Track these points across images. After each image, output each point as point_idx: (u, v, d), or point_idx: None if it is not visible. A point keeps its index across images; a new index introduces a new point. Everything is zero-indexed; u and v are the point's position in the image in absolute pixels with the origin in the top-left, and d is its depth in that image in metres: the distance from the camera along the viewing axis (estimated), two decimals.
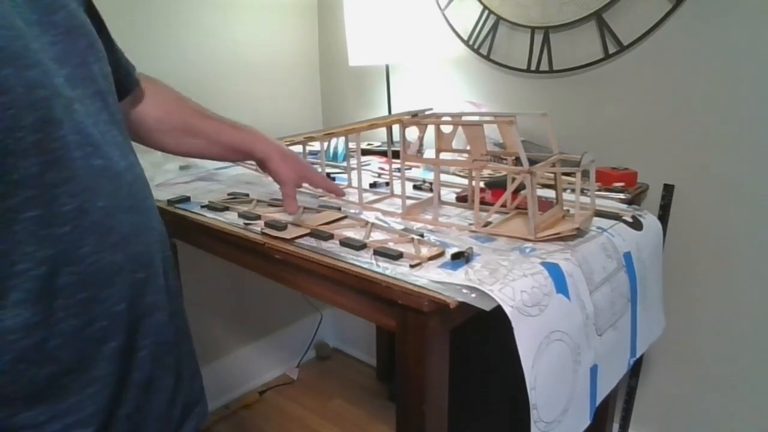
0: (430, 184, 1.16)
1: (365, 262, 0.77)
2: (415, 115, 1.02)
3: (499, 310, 0.66)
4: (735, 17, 1.11)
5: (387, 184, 1.18)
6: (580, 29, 1.31)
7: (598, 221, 0.93)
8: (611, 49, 1.27)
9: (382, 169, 1.38)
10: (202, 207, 1.06)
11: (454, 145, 0.99)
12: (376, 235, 0.87)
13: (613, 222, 0.94)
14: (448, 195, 1.08)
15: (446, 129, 0.99)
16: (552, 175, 0.93)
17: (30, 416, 0.50)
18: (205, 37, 1.61)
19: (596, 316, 0.81)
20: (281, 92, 1.86)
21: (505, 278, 0.70)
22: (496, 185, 1.00)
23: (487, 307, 0.67)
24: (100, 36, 0.61)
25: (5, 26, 0.47)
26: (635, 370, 1.40)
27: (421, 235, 0.85)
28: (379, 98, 1.80)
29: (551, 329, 0.72)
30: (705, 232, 1.25)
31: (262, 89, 1.79)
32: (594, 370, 0.82)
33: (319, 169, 1.09)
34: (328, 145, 1.48)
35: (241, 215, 0.99)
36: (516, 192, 0.94)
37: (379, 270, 0.74)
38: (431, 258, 0.76)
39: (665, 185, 1.26)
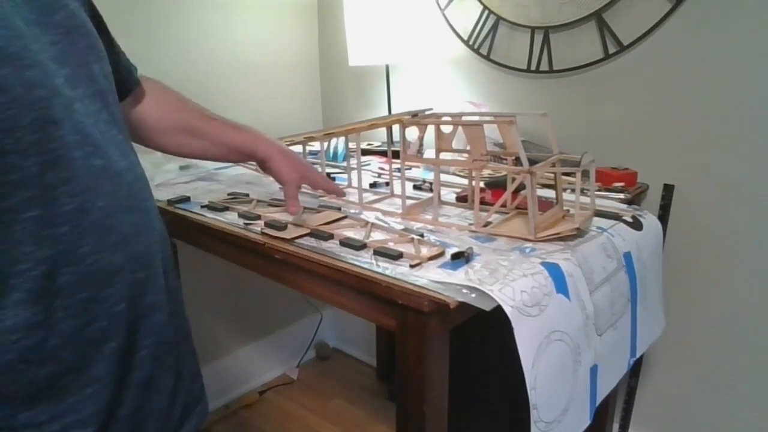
0: (430, 184, 1.16)
1: (365, 262, 0.77)
2: (415, 115, 1.02)
3: (499, 310, 0.66)
4: (735, 17, 1.11)
5: (387, 184, 1.18)
6: (580, 29, 1.31)
7: (598, 221, 0.93)
8: (611, 49, 1.27)
9: (382, 169, 1.38)
10: (202, 207, 1.06)
11: (454, 145, 0.99)
12: (376, 235, 0.87)
13: (613, 222, 0.94)
14: (448, 195, 1.08)
15: (446, 129, 0.99)
16: (552, 175, 0.93)
17: (30, 416, 0.50)
18: (205, 37, 1.61)
19: (596, 316, 0.81)
20: (281, 92, 1.86)
21: (505, 278, 0.70)
22: (496, 185, 1.00)
23: (487, 307, 0.67)
24: (100, 36, 0.61)
25: (5, 26, 0.47)
26: (635, 370, 1.40)
27: (421, 235, 0.85)
28: (379, 98, 1.80)
29: (551, 329, 0.72)
30: (705, 232, 1.25)
31: (262, 89, 1.79)
32: (594, 370, 0.82)
33: (319, 169, 1.09)
34: (328, 145, 1.48)
35: (241, 215, 0.99)
36: (516, 192, 0.94)
37: (379, 270, 0.74)
38: (431, 258, 0.76)
39: (665, 185, 1.26)
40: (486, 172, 1.10)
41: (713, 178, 1.21)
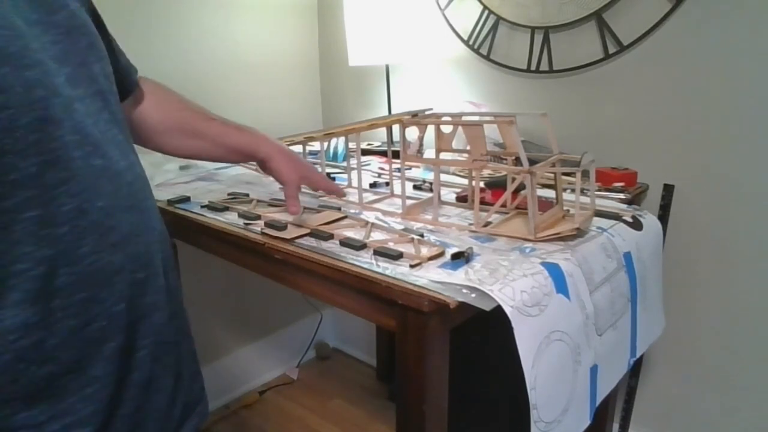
0: (430, 184, 1.16)
1: (365, 262, 0.77)
2: (415, 115, 1.02)
3: (499, 310, 0.66)
4: (735, 17, 1.11)
5: (387, 184, 1.18)
6: (580, 29, 1.31)
7: (598, 221, 0.93)
8: (611, 49, 1.27)
9: (382, 169, 1.38)
10: (202, 207, 1.06)
11: (454, 145, 0.99)
12: (376, 235, 0.87)
13: (613, 222, 0.94)
14: (448, 195, 1.08)
15: (446, 129, 0.99)
16: (552, 175, 0.93)
17: (29, 416, 0.50)
18: (205, 37, 1.61)
19: (596, 316, 0.81)
20: (281, 92, 1.86)
21: (505, 278, 0.70)
22: (496, 185, 1.00)
23: (487, 307, 0.67)
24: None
25: (4, 26, 0.47)
26: (635, 370, 1.40)
27: (421, 235, 0.85)
28: (379, 98, 1.80)
29: (551, 329, 0.72)
30: (705, 232, 1.25)
31: (262, 89, 1.79)
32: (594, 370, 0.82)
33: (319, 169, 1.09)
34: (328, 145, 1.48)
35: (241, 215, 0.99)
36: (516, 192, 0.94)
37: (379, 270, 0.74)
38: (431, 258, 0.76)
39: (665, 185, 1.26)
40: (486, 172, 1.10)
41: (713, 178, 1.21)
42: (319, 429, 1.76)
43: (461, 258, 0.75)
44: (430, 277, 0.70)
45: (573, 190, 0.88)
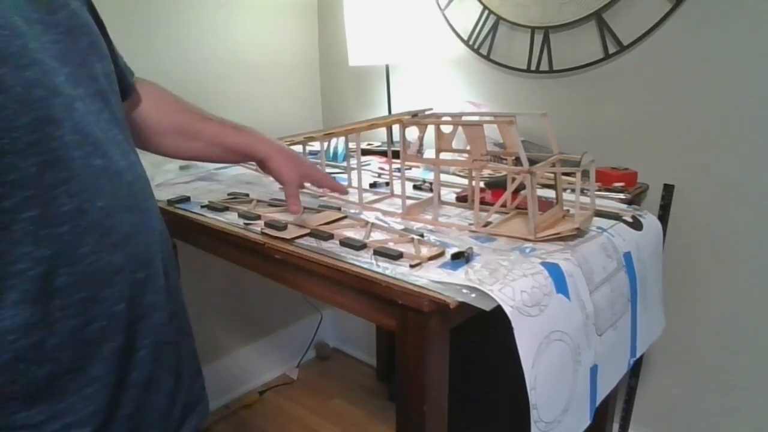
0: (430, 184, 1.16)
1: (365, 262, 0.77)
2: (415, 115, 1.02)
3: (499, 310, 0.66)
4: (735, 17, 1.11)
5: (387, 184, 1.18)
6: (580, 29, 1.31)
7: (598, 221, 0.93)
8: (611, 49, 1.27)
9: (382, 169, 1.38)
10: (202, 207, 1.06)
11: (454, 145, 0.99)
12: (376, 235, 0.87)
13: (613, 222, 0.94)
14: (448, 195, 1.08)
15: (446, 129, 0.99)
16: (552, 175, 0.93)
17: (29, 416, 0.50)
18: (205, 37, 1.61)
19: (596, 316, 0.81)
20: (281, 92, 1.86)
21: (505, 278, 0.70)
22: (496, 185, 1.00)
23: (487, 307, 0.67)
24: None
25: (3, 26, 0.47)
26: (635, 370, 1.40)
27: (421, 235, 0.85)
28: (379, 98, 1.80)
29: (551, 329, 0.72)
30: (705, 232, 1.25)
31: (262, 89, 1.79)
32: (594, 370, 0.82)
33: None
34: (328, 145, 1.48)
35: (241, 215, 0.99)
36: (516, 192, 0.94)
37: (379, 270, 0.74)
38: (431, 258, 0.76)
39: (665, 185, 1.26)
40: (486, 172, 1.10)
41: (713, 178, 1.21)
42: (319, 429, 1.76)
43: (461, 258, 0.75)
44: (430, 277, 0.70)
45: (573, 190, 0.88)
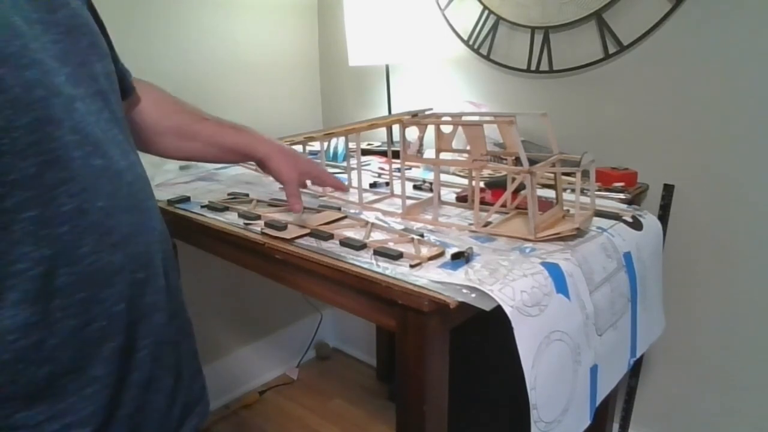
0: (430, 184, 1.16)
1: (365, 262, 0.77)
2: (415, 115, 1.02)
3: (499, 310, 0.66)
4: (735, 17, 1.11)
5: (387, 184, 1.18)
6: (580, 29, 1.31)
7: (598, 221, 0.93)
8: (611, 49, 1.27)
9: (382, 169, 1.38)
10: (202, 207, 1.06)
11: (454, 145, 0.99)
12: (376, 235, 0.87)
13: (613, 222, 0.94)
14: (448, 195, 1.08)
15: (446, 129, 0.99)
16: (552, 175, 0.93)
17: (29, 416, 0.50)
18: (205, 37, 1.61)
19: (596, 316, 0.81)
20: (281, 92, 1.86)
21: (505, 278, 0.70)
22: (496, 185, 1.00)
23: (487, 307, 0.67)
24: None
25: (2, 26, 0.47)
26: (635, 370, 1.40)
27: (421, 235, 0.84)
28: (379, 98, 1.80)
29: (551, 329, 0.72)
30: (705, 232, 1.25)
31: (262, 89, 1.79)
32: (594, 370, 0.82)
33: None
34: (328, 145, 1.48)
35: (241, 215, 0.99)
36: (516, 192, 0.94)
37: (379, 270, 0.74)
38: (431, 258, 0.76)
39: (665, 185, 1.26)
40: (486, 172, 1.10)
41: (713, 178, 1.21)
42: (319, 429, 1.76)
43: (461, 258, 0.75)
44: (430, 277, 0.70)
45: (573, 190, 0.88)
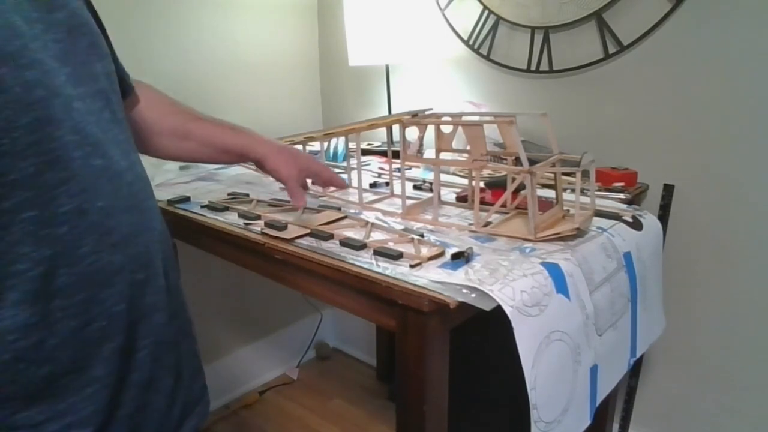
0: (430, 184, 1.16)
1: (365, 262, 0.77)
2: (415, 115, 1.02)
3: (499, 310, 0.66)
4: (735, 17, 1.11)
5: (387, 184, 1.18)
6: (580, 29, 1.31)
7: (598, 221, 0.93)
8: (611, 49, 1.27)
9: (382, 169, 1.38)
10: (202, 207, 1.06)
11: (454, 145, 0.99)
12: (376, 235, 0.87)
13: (613, 222, 0.94)
14: (448, 195, 1.08)
15: (446, 129, 0.99)
16: (552, 175, 0.93)
17: (29, 416, 0.50)
18: (205, 37, 1.61)
19: (596, 316, 0.81)
20: (281, 92, 1.86)
21: (505, 278, 0.70)
22: (496, 185, 1.00)
23: (487, 307, 0.67)
24: None
25: (2, 26, 0.47)
26: (635, 370, 1.40)
27: (421, 235, 0.84)
28: (379, 98, 1.80)
29: (551, 329, 0.72)
30: (705, 232, 1.25)
31: (262, 89, 1.79)
32: (594, 370, 0.82)
33: None
34: (328, 145, 1.48)
35: (241, 215, 0.99)
36: (516, 192, 0.94)
37: (379, 270, 0.74)
38: (431, 258, 0.76)
39: (665, 185, 1.26)
40: (486, 172, 1.10)
41: (713, 178, 1.21)
42: (319, 429, 1.76)
43: (461, 258, 0.75)
44: (430, 277, 0.70)
45: (573, 190, 0.88)
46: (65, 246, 0.50)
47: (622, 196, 1.13)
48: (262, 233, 0.89)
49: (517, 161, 0.85)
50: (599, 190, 1.16)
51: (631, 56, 1.26)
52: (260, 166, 0.88)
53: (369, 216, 0.97)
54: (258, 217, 0.97)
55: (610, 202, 1.07)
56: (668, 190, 1.26)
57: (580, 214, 0.85)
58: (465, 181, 1.15)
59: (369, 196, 1.11)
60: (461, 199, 1.05)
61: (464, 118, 0.95)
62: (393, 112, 1.66)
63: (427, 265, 0.75)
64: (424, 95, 1.67)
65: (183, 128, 0.84)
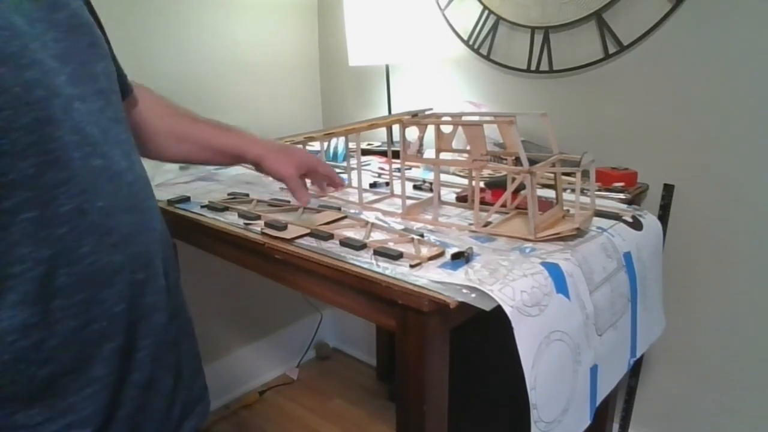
0: (430, 184, 1.16)
1: (365, 262, 0.77)
2: (415, 115, 1.02)
3: (499, 310, 0.66)
4: (735, 17, 1.11)
5: (387, 184, 1.18)
6: (580, 29, 1.31)
7: (598, 221, 0.93)
8: (611, 49, 1.27)
9: (382, 169, 1.38)
10: (202, 207, 1.06)
11: (454, 145, 0.99)
12: (376, 235, 0.87)
13: (613, 222, 0.94)
14: (448, 195, 1.08)
15: (446, 129, 0.99)
16: (552, 175, 0.93)
17: (29, 416, 0.50)
18: (205, 37, 1.61)
19: (596, 316, 0.81)
20: (281, 92, 1.86)
21: (505, 278, 0.70)
22: (496, 185, 1.00)
23: (487, 307, 0.67)
24: None
25: (2, 26, 0.47)
26: (635, 370, 1.40)
27: (421, 235, 0.84)
28: (379, 98, 1.80)
29: (551, 329, 0.72)
30: (705, 232, 1.25)
31: (262, 89, 1.79)
32: (594, 370, 0.82)
33: None
34: (328, 145, 1.48)
35: (241, 215, 0.99)
36: (516, 192, 0.94)
37: (379, 270, 0.74)
38: (431, 258, 0.76)
39: (665, 185, 1.26)
40: (486, 172, 1.10)
41: (713, 178, 1.21)
42: (319, 429, 1.76)
43: (461, 258, 0.75)
44: (430, 277, 0.70)
45: (573, 190, 0.88)
46: (65, 246, 0.50)
47: (622, 196, 1.13)
48: (262, 233, 0.89)
49: (517, 161, 0.85)
50: (599, 190, 1.16)
51: (631, 56, 1.26)
52: (258, 167, 0.88)
53: (369, 216, 0.97)
54: (258, 217, 0.96)
55: (610, 202, 1.07)
56: (668, 190, 1.26)
57: (580, 214, 0.85)
58: (465, 181, 1.15)
59: (369, 196, 1.11)
60: (461, 199, 1.05)
61: (464, 118, 0.95)
62: (393, 112, 1.66)
63: (427, 265, 0.75)
64: (424, 95, 1.67)
65: (180, 130, 0.84)
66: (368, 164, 1.43)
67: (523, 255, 0.78)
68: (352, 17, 1.51)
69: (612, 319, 0.86)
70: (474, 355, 1.38)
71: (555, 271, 0.75)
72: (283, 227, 0.88)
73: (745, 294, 1.23)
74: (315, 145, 1.35)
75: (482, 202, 0.92)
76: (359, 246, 0.81)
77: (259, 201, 1.07)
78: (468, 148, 0.92)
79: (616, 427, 1.44)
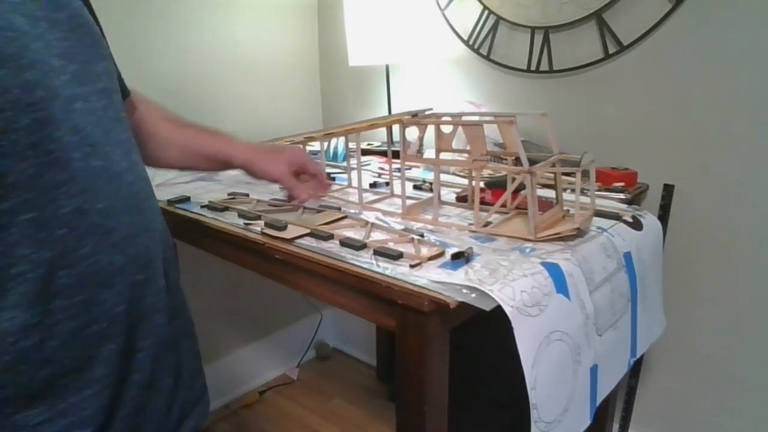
0: (430, 184, 1.16)
1: (365, 262, 0.77)
2: (415, 115, 1.02)
3: (499, 310, 0.66)
4: (735, 17, 1.11)
5: (387, 184, 1.18)
6: (580, 29, 1.31)
7: (598, 221, 0.93)
8: (611, 49, 1.27)
9: (382, 169, 1.38)
10: (202, 207, 1.06)
11: (454, 145, 0.99)
12: (376, 235, 0.87)
13: (613, 222, 0.94)
14: (448, 195, 1.08)
15: (446, 129, 0.99)
16: (552, 175, 0.93)
17: (29, 416, 0.50)
18: (205, 37, 1.61)
19: (596, 316, 0.81)
20: (281, 92, 1.86)
21: (505, 278, 0.70)
22: (496, 185, 1.00)
23: (487, 307, 0.67)
24: None
25: (2, 27, 0.47)
26: (635, 370, 1.40)
27: (421, 235, 0.84)
28: (379, 98, 1.80)
29: (551, 329, 0.72)
30: (705, 232, 1.25)
31: (262, 89, 1.79)
32: (594, 370, 0.82)
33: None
34: (328, 145, 1.48)
35: (241, 215, 0.99)
36: (516, 192, 0.94)
37: (379, 270, 0.74)
38: (431, 258, 0.76)
39: (665, 185, 1.26)
40: (486, 172, 1.10)
41: (713, 178, 1.21)
42: (319, 429, 1.76)
43: (461, 258, 0.75)
44: (430, 277, 0.70)
45: (573, 190, 0.88)
46: (65, 247, 0.50)
47: (622, 196, 1.13)
48: (262, 233, 0.89)
49: (517, 161, 0.85)
50: (599, 190, 1.16)
51: (631, 56, 1.26)
52: (249, 171, 0.87)
53: (369, 216, 0.97)
54: (258, 217, 0.96)
55: (610, 202, 1.07)
56: (668, 190, 1.26)
57: (580, 214, 0.85)
58: (465, 181, 1.15)
59: (369, 196, 1.11)
60: (461, 199, 1.05)
61: (464, 118, 0.95)
62: (393, 112, 1.66)
63: (427, 265, 0.74)
64: (424, 95, 1.67)
65: (166, 136, 0.84)
66: (368, 164, 1.43)
67: (523, 255, 0.78)
68: (352, 17, 1.51)
69: (612, 319, 0.86)
70: (474, 355, 1.38)
71: (555, 271, 0.74)
72: (283, 227, 0.88)
73: (745, 294, 1.23)
74: (315, 145, 1.36)
75: (482, 202, 0.92)
76: (359, 246, 0.81)
77: (259, 201, 1.07)
78: (468, 148, 0.92)
79: (616, 427, 1.44)
